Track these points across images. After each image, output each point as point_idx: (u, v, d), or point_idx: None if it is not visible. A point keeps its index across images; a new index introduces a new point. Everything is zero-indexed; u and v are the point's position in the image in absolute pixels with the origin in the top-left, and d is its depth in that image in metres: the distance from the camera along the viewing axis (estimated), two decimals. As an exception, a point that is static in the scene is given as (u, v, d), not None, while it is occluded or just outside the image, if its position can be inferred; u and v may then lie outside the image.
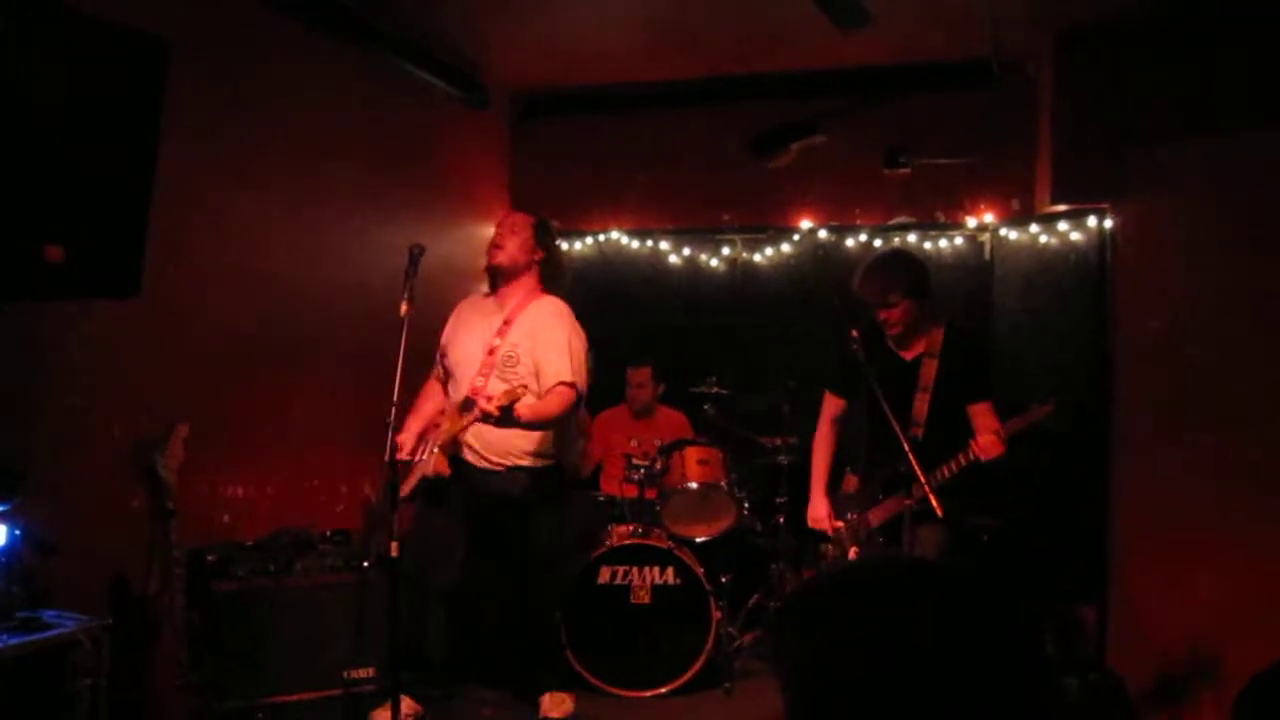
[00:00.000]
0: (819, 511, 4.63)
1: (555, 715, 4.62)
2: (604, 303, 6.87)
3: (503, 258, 4.51)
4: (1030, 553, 5.21)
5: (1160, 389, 4.77)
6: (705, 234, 6.85)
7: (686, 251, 6.89)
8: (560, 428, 4.56)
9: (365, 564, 4.51)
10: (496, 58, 6.39)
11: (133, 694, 3.66)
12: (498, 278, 4.59)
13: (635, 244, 6.96)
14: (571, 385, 4.38)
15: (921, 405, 4.32)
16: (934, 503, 3.94)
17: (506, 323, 4.50)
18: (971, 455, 4.11)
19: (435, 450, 4.37)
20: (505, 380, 4.30)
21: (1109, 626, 5.14)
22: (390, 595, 4.07)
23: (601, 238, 7.00)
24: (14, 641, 3.14)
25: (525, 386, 4.14)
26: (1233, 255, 4.37)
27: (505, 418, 4.00)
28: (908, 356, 4.42)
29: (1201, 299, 4.52)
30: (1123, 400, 5.16)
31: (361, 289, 5.27)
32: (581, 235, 7.05)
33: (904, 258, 4.60)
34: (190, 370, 4.43)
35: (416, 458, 4.51)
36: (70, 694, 3.32)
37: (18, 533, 3.36)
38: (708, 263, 6.86)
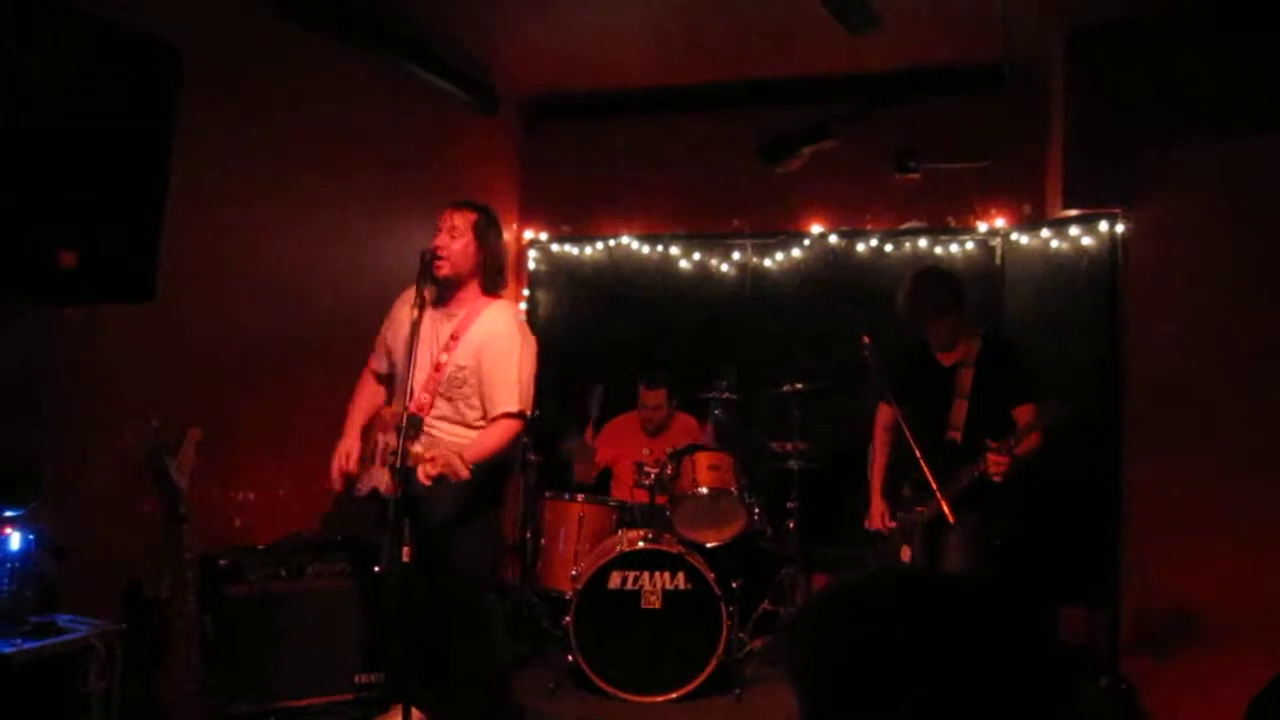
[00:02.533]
0: (875, 511, 4.74)
1: None
2: (614, 308, 6.89)
3: (447, 269, 4.11)
4: (1041, 557, 5.19)
5: (1172, 394, 4.76)
6: (716, 239, 6.85)
7: (697, 256, 6.89)
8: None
9: (377, 569, 4.50)
10: (507, 63, 6.41)
11: (145, 698, 3.67)
12: (443, 288, 4.20)
13: (645, 249, 6.96)
14: (518, 416, 4.10)
15: (959, 411, 4.44)
16: (945, 510, 4.03)
17: (454, 337, 4.15)
18: (978, 471, 4.18)
19: (384, 469, 4.04)
20: (450, 399, 4.12)
21: (1120, 630, 5.13)
22: (402, 600, 4.07)
23: (611, 242, 7.00)
24: (28, 646, 3.16)
25: (457, 454, 3.73)
26: (1246, 260, 4.35)
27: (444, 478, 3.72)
28: (946, 363, 4.54)
29: (1214, 304, 4.51)
30: (1134, 405, 5.15)
31: (373, 293, 5.26)
32: (591, 240, 7.06)
33: (942, 273, 4.72)
34: (203, 375, 4.46)
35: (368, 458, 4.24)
36: (83, 698, 3.33)
37: (31, 537, 3.38)
38: (718, 268, 6.86)
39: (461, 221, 4.18)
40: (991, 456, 4.11)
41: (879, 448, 4.80)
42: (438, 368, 4.13)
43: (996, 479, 4.12)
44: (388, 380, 4.43)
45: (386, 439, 4.14)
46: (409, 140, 5.96)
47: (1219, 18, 4.76)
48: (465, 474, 3.68)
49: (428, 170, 6.15)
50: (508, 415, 4.08)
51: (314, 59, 5.11)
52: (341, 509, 5.23)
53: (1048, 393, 4.31)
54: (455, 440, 4.07)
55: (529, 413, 4.16)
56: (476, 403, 4.14)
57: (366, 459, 4.22)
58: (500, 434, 4.07)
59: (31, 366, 3.73)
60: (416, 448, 3.78)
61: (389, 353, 4.34)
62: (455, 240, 4.14)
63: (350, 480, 4.22)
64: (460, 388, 4.12)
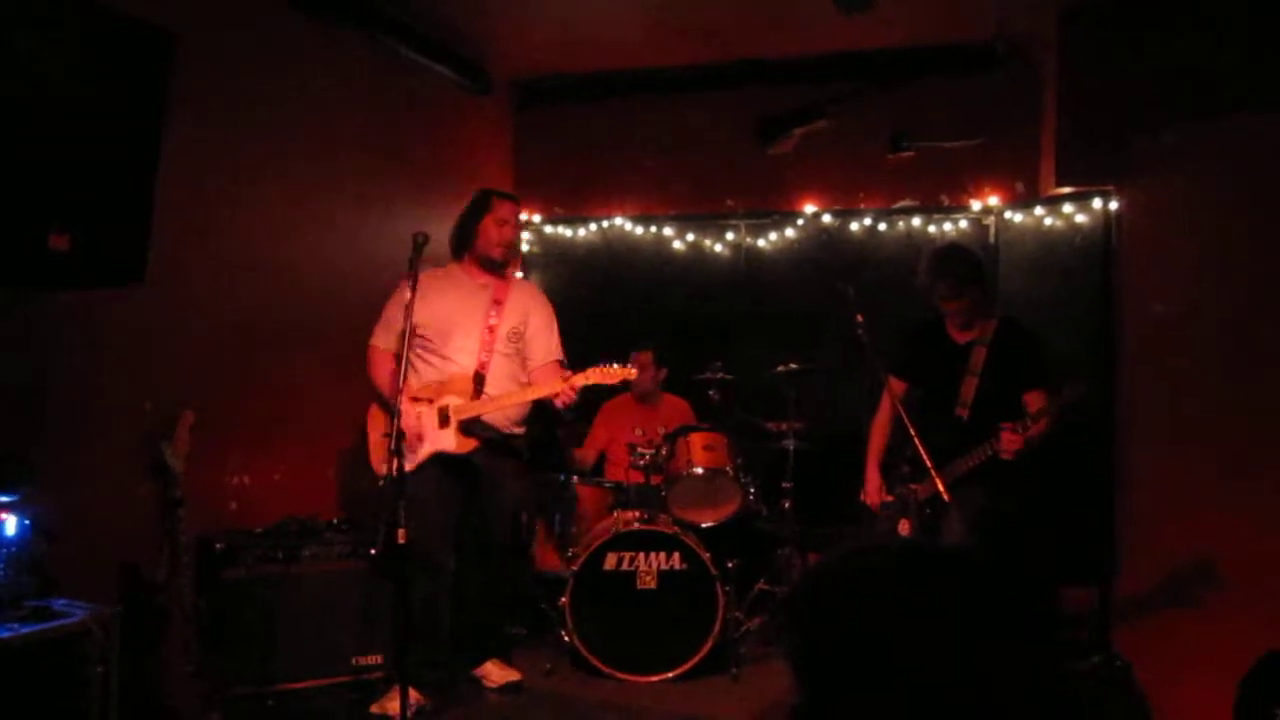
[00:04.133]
0: (871, 486, 4.75)
1: (498, 683, 4.76)
2: (608, 289, 6.88)
3: (513, 254, 4.77)
4: (1038, 536, 5.21)
5: (1166, 371, 4.77)
6: (709, 219, 6.84)
7: (690, 237, 6.88)
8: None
9: (373, 550, 4.51)
10: (500, 44, 6.38)
11: (143, 681, 3.68)
12: (496, 268, 4.69)
13: (639, 230, 6.95)
14: (561, 362, 4.74)
15: (969, 389, 4.45)
16: (941, 489, 4.03)
17: (497, 301, 4.63)
18: (990, 451, 4.20)
19: (454, 427, 4.46)
20: (506, 355, 4.59)
21: (1113, 609, 5.15)
22: (398, 582, 4.09)
23: (605, 224, 6.99)
24: (25, 630, 3.16)
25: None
26: (1239, 237, 4.36)
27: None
28: (961, 341, 4.55)
29: (1207, 281, 4.51)
30: (1128, 382, 5.16)
31: (367, 276, 5.27)
32: (585, 221, 7.05)
33: (964, 251, 4.68)
34: (197, 358, 4.45)
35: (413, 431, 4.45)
36: (81, 681, 3.33)
37: (27, 522, 3.37)
38: (712, 248, 6.85)
39: (518, 213, 4.86)
40: (1006, 435, 4.14)
41: (881, 421, 4.79)
42: (490, 329, 4.58)
43: (1006, 457, 4.15)
44: (397, 358, 4.48)
45: (440, 404, 4.49)
46: (402, 122, 5.94)
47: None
48: (632, 371, 4.54)
49: (420, 152, 6.13)
50: (559, 361, 4.74)
51: (306, 40, 5.09)
52: (337, 492, 5.25)
53: (1057, 377, 4.32)
54: (506, 391, 4.57)
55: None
56: (521, 358, 4.68)
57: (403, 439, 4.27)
58: (560, 374, 4.60)
59: (25, 352, 3.72)
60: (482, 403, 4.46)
61: (419, 331, 4.48)
62: (518, 230, 4.85)
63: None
64: (517, 342, 4.65)
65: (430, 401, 4.50)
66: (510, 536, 4.88)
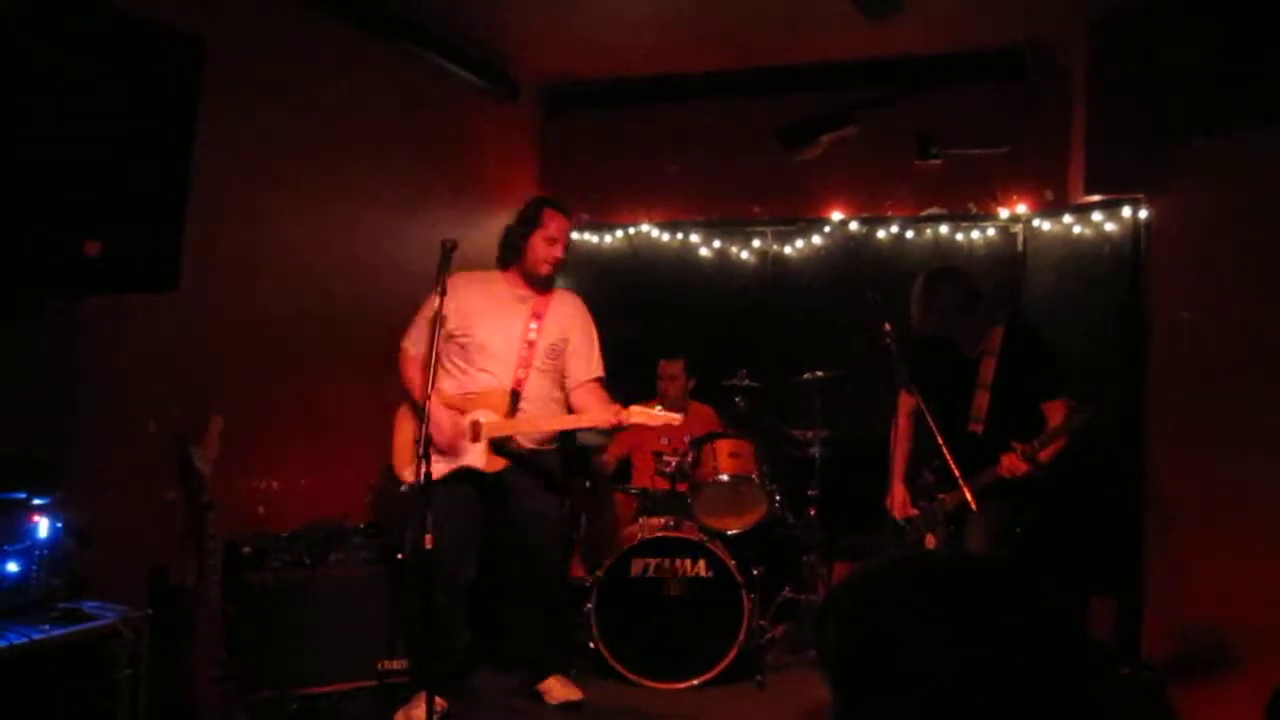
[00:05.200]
0: (896, 499, 4.72)
1: (560, 699, 4.66)
2: (634, 296, 6.88)
3: (559, 269, 4.62)
4: (1064, 547, 5.18)
5: (1194, 380, 4.73)
6: (736, 226, 6.84)
7: (717, 244, 6.88)
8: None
9: (400, 556, 4.53)
10: (526, 51, 6.41)
11: (170, 684, 3.69)
12: (539, 284, 4.59)
13: (665, 236, 6.96)
14: (602, 380, 4.62)
15: (981, 401, 4.40)
16: (969, 498, 4.02)
17: (537, 315, 4.51)
18: (997, 474, 4.18)
19: (485, 444, 4.37)
20: (544, 371, 4.48)
21: (1143, 621, 5.10)
22: (424, 588, 4.10)
23: (631, 230, 7.00)
24: (56, 633, 3.18)
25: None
26: (1268, 247, 4.32)
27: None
28: (969, 353, 4.50)
29: (1236, 291, 4.47)
30: (1156, 392, 5.12)
31: (394, 282, 5.30)
32: (611, 228, 7.06)
33: (954, 273, 4.60)
34: (226, 364, 4.48)
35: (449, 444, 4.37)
36: (111, 684, 3.35)
37: (59, 525, 3.40)
38: (738, 255, 6.85)
39: (569, 228, 4.69)
40: (1007, 461, 4.13)
41: (901, 435, 4.77)
42: (529, 344, 4.47)
43: (1009, 477, 4.14)
44: (456, 367, 4.53)
45: (473, 416, 4.38)
46: (429, 128, 5.96)
47: (1242, 7, 4.71)
48: (676, 417, 4.34)
49: (448, 158, 6.16)
50: (600, 379, 4.62)
51: (334, 48, 5.13)
52: (364, 497, 5.27)
53: (1073, 383, 4.28)
54: (550, 409, 4.53)
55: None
56: (559, 375, 4.56)
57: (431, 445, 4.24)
58: (604, 392, 4.57)
59: (58, 356, 3.75)
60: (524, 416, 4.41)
61: (458, 337, 4.45)
62: (565, 245, 4.62)
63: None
64: (556, 359, 4.53)
65: (462, 412, 4.40)
66: (552, 540, 4.72)
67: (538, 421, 4.43)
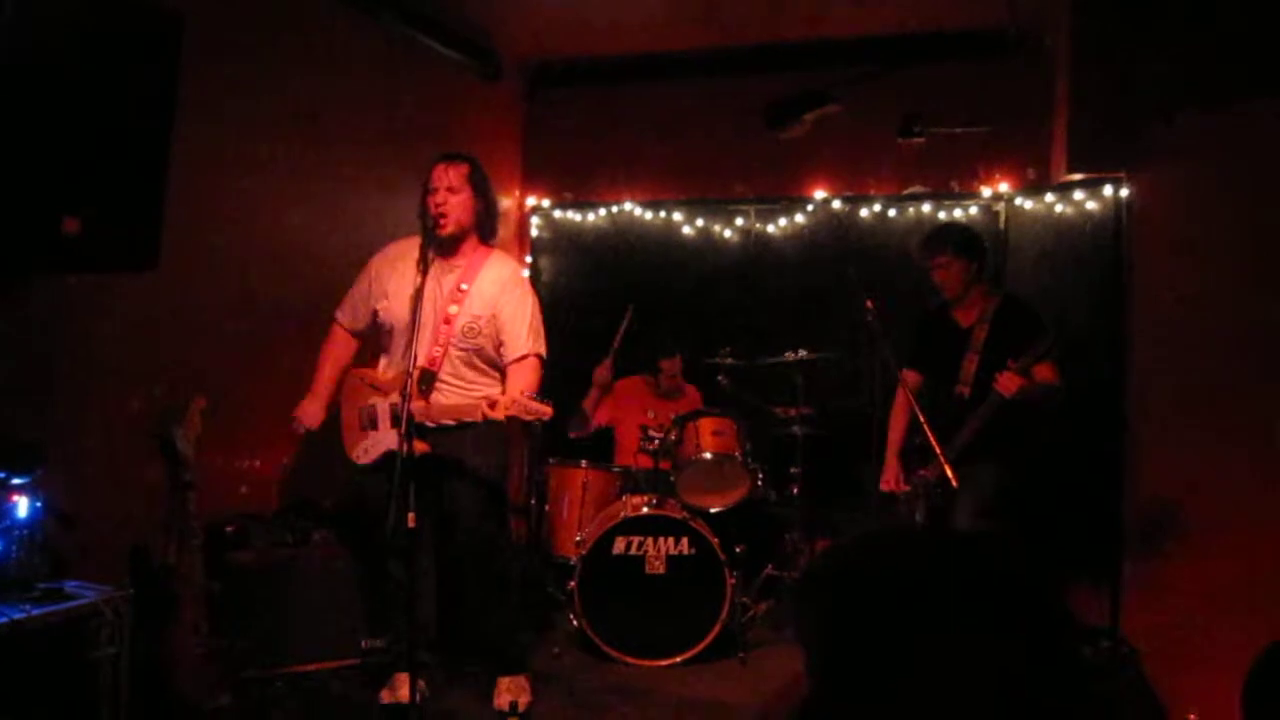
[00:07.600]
0: (889, 474, 4.80)
1: (503, 705, 4.33)
2: (616, 274, 6.87)
3: (451, 227, 4.11)
4: (1045, 523, 5.21)
5: (1177, 360, 4.75)
6: (719, 205, 6.83)
7: (700, 222, 6.87)
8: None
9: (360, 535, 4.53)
10: (509, 28, 6.37)
11: (153, 663, 3.69)
12: (444, 245, 4.16)
13: (648, 215, 6.94)
14: (539, 355, 4.22)
15: (970, 365, 4.50)
16: (949, 473, 4.06)
17: (460, 289, 4.16)
18: (994, 395, 4.26)
19: (394, 430, 4.00)
20: (464, 350, 4.14)
21: (1122, 597, 5.14)
22: (406, 566, 4.11)
23: (614, 209, 6.99)
24: (37, 612, 3.18)
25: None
26: (1251, 226, 4.33)
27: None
28: (965, 324, 4.59)
29: (1219, 269, 4.49)
30: (1138, 371, 5.14)
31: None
32: (594, 206, 7.05)
33: (953, 224, 4.77)
34: (207, 343, 4.46)
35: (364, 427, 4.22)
36: (92, 663, 3.36)
37: (39, 505, 3.39)
38: (721, 234, 6.85)
39: (456, 176, 4.16)
40: (1002, 379, 4.22)
41: (899, 411, 4.81)
42: (447, 320, 4.13)
43: (1008, 395, 4.21)
44: (359, 336, 4.43)
45: (391, 400, 4.13)
46: (412, 107, 5.93)
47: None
48: (547, 410, 3.76)
49: (431, 136, 6.11)
50: (535, 355, 4.18)
51: (316, 25, 5.09)
52: (349, 477, 5.25)
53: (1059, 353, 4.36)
54: (469, 391, 4.15)
55: (544, 352, 4.25)
56: (490, 351, 4.20)
57: (366, 424, 4.22)
58: (531, 373, 4.15)
59: (37, 336, 3.74)
60: (437, 398, 3.99)
61: (374, 309, 4.27)
62: (454, 195, 4.14)
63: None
64: (476, 337, 4.15)
65: (384, 395, 4.18)
66: (483, 520, 4.28)
67: (445, 409, 4.01)
